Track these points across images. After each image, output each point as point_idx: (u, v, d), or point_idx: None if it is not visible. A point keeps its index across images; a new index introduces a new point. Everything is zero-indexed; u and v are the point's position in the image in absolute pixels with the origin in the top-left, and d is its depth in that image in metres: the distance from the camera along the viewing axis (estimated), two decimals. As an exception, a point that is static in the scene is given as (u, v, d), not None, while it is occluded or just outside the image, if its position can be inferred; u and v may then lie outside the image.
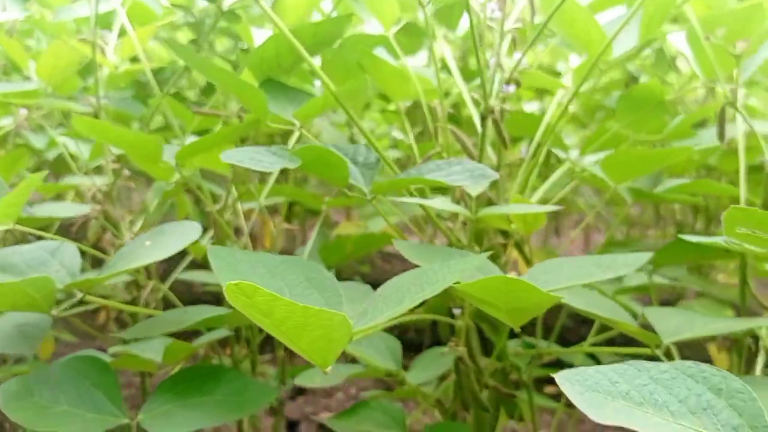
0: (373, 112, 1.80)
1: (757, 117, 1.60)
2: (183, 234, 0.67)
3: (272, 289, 0.60)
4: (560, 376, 0.44)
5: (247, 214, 1.07)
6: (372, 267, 1.83)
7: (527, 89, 1.77)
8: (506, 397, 0.85)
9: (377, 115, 1.81)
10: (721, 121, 0.75)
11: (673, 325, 0.69)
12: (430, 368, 0.81)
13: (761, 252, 0.60)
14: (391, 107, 1.58)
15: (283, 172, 1.48)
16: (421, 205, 0.79)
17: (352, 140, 1.48)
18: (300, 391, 1.60)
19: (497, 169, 0.90)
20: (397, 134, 1.70)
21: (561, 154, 1.03)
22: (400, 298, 0.54)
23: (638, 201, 0.90)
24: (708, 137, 1.07)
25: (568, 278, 0.59)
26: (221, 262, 0.60)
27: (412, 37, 1.11)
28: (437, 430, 0.75)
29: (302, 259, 0.62)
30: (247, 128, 0.80)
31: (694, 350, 1.41)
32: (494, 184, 0.91)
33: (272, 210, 1.95)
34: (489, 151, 0.96)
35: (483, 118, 0.79)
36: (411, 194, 0.79)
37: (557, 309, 0.96)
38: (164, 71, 1.37)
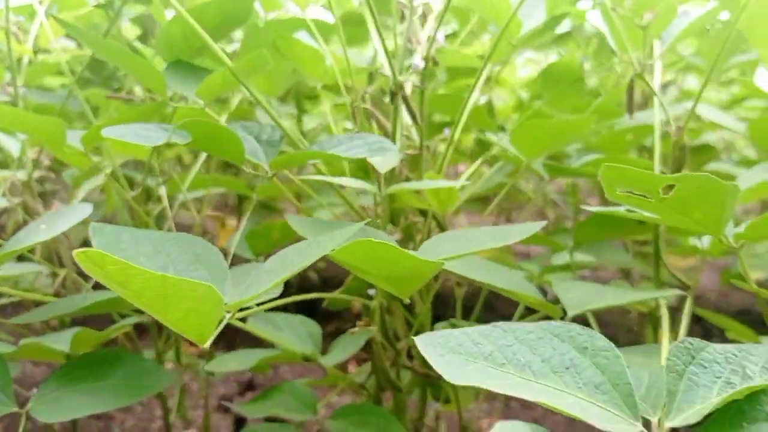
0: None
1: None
2: (73, 214, 0.65)
3: (157, 265, 0.58)
4: (420, 339, 0.43)
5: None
6: (327, 261, 1.81)
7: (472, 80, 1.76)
8: (424, 378, 0.84)
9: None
10: (630, 94, 0.75)
11: (578, 297, 0.68)
12: (346, 350, 0.80)
13: (659, 219, 0.59)
14: (340, 100, 1.56)
15: (219, 164, 1.46)
16: (331, 184, 0.77)
17: (303, 133, 1.45)
18: (249, 387, 1.58)
19: (420, 149, 0.89)
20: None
21: (490, 136, 1.02)
22: (283, 268, 0.53)
23: (555, 177, 0.89)
24: (642, 117, 1.08)
25: (461, 248, 0.58)
26: (103, 239, 0.58)
27: (356, 27, 1.09)
28: (347, 412, 0.73)
29: (191, 236, 0.60)
30: (154, 110, 0.78)
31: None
32: (416, 165, 0.90)
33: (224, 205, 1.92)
34: (413, 132, 0.95)
35: (393, 94, 0.78)
36: (321, 173, 0.77)
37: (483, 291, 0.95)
38: (106, 66, 1.33)
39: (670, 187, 0.50)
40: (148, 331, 1.02)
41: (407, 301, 0.57)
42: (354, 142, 0.68)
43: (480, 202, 1.88)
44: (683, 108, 1.30)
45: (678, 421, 0.39)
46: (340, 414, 0.74)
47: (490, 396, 1.47)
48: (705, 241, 0.96)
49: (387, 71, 0.87)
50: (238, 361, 0.78)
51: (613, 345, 0.42)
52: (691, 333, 1.14)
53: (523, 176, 1.70)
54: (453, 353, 0.42)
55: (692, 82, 1.90)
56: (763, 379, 0.39)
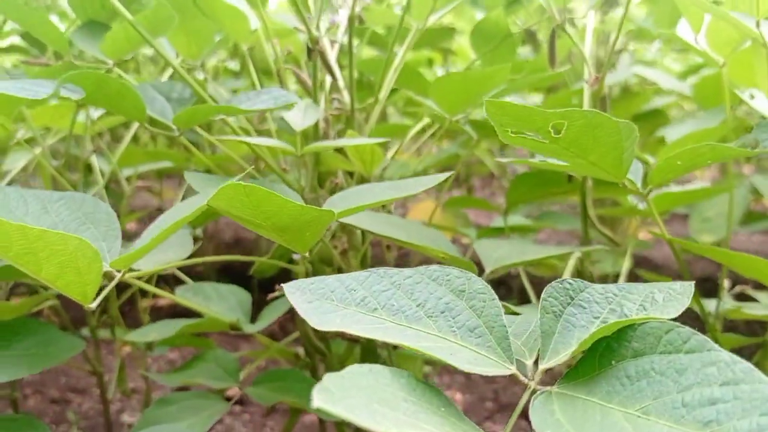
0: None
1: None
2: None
3: (45, 225, 0.56)
4: (288, 286, 0.41)
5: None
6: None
7: (437, 52, 1.73)
8: (355, 344, 0.82)
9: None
10: (551, 45, 0.73)
11: (497, 255, 0.67)
12: (270, 317, 0.78)
13: (563, 167, 0.57)
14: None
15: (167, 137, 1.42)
16: (248, 144, 0.75)
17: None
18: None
19: (351, 111, 0.87)
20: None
21: (424, 101, 1.00)
22: (166, 224, 0.51)
23: (484, 136, 0.87)
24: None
25: (363, 200, 0.56)
26: (-12, 199, 0.55)
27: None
28: (268, 379, 0.71)
29: (82, 195, 0.58)
30: (61, 71, 0.75)
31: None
32: (345, 130, 0.88)
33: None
34: (345, 95, 0.92)
35: (309, 51, 0.75)
36: (236, 132, 0.75)
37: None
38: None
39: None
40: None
41: (305, 253, 0.55)
42: (261, 96, 0.66)
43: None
44: (631, 72, 1.29)
45: (552, 363, 0.38)
46: (261, 380, 0.72)
47: (451, 369, 1.46)
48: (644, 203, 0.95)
49: (312, 29, 0.84)
50: (158, 331, 0.76)
51: (490, 288, 0.40)
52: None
53: (484, 149, 1.68)
54: (322, 299, 0.40)
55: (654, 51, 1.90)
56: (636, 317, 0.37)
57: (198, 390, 0.72)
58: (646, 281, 1.17)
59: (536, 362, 0.39)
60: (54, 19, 1.16)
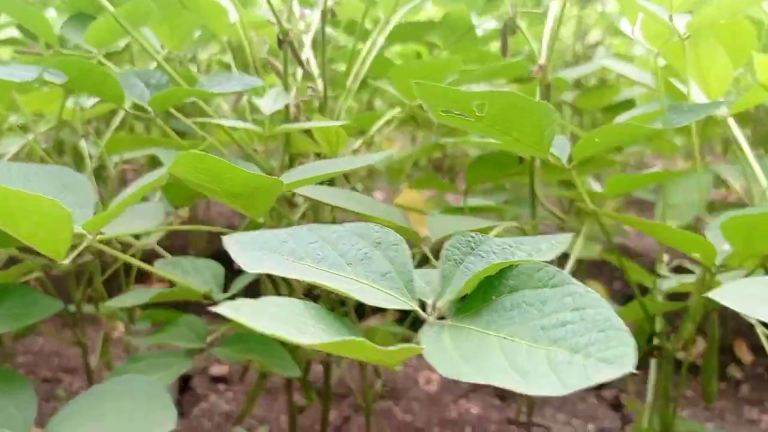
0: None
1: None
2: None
3: (27, 193, 0.62)
4: (228, 238, 0.47)
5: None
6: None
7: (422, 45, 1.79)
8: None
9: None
10: (503, 37, 0.79)
11: (442, 227, 0.73)
12: (237, 286, 0.84)
13: (496, 144, 0.63)
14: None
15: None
16: (222, 128, 0.81)
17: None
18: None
19: (325, 98, 0.93)
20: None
21: (389, 89, 1.06)
22: (132, 191, 0.57)
23: (443, 123, 0.93)
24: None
25: (312, 173, 0.62)
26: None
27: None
28: (233, 341, 0.78)
29: (62, 167, 0.64)
30: (49, 60, 0.81)
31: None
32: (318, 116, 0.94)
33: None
34: (319, 84, 0.98)
35: (280, 42, 0.81)
36: (208, 115, 0.81)
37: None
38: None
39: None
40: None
41: (259, 218, 0.61)
42: (231, 81, 0.72)
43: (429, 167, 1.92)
44: (598, 64, 1.35)
45: (445, 301, 0.44)
46: (227, 342, 0.79)
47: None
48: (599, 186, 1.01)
49: (283, 21, 0.90)
50: (135, 297, 0.82)
51: (403, 240, 0.47)
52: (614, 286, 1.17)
53: (471, 142, 1.73)
54: (257, 249, 0.46)
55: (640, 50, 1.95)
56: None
57: (167, 350, 0.78)
58: (613, 267, 1.23)
59: (436, 302, 0.45)
60: (52, 12, 1.23)
